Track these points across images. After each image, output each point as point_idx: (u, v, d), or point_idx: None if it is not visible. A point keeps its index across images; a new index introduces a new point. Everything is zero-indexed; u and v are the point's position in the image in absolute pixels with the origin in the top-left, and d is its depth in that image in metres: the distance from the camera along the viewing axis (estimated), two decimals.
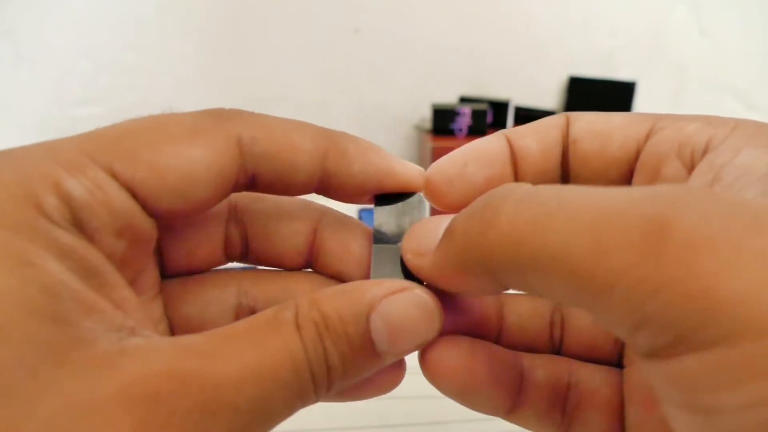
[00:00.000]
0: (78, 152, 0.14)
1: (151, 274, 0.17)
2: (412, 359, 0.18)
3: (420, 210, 0.18)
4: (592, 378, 0.19)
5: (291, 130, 0.17)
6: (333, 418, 0.31)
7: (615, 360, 0.20)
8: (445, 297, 0.16)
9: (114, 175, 0.14)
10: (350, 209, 0.19)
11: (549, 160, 0.18)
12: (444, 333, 0.17)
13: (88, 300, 0.13)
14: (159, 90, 0.82)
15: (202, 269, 0.19)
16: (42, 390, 0.11)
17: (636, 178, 0.17)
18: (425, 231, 0.17)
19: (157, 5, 0.79)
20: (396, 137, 0.87)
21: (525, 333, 0.20)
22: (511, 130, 0.19)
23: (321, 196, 0.19)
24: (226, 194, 0.17)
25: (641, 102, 0.89)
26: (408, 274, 0.17)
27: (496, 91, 0.88)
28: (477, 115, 0.75)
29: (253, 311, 0.19)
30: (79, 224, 0.14)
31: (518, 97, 0.86)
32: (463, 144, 0.19)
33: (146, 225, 0.15)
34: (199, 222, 0.19)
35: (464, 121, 0.75)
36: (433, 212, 0.19)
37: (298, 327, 0.14)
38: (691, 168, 0.15)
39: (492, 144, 0.19)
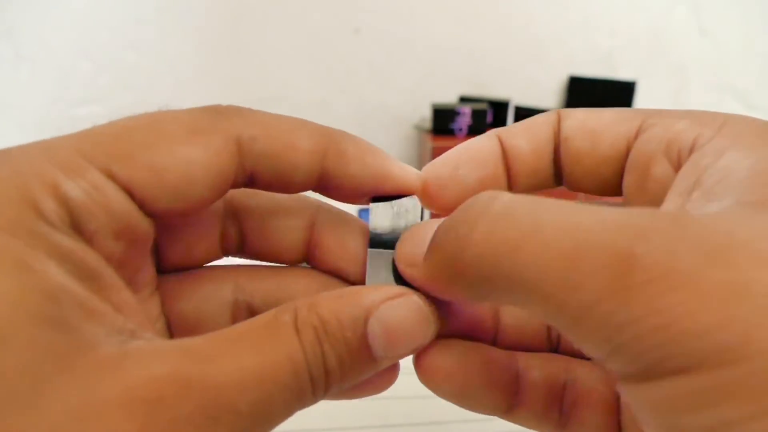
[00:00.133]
0: (75, 153, 0.14)
1: (148, 271, 0.17)
2: (410, 360, 0.18)
3: (415, 213, 0.18)
4: (589, 376, 0.19)
5: (290, 128, 0.17)
6: (333, 418, 0.31)
7: None
8: (440, 301, 0.17)
9: (112, 177, 0.14)
10: (350, 207, 0.19)
11: (541, 158, 0.19)
12: (439, 336, 0.17)
13: (89, 304, 0.13)
14: (159, 90, 0.82)
15: (197, 264, 0.19)
16: (46, 396, 0.11)
17: (626, 176, 0.17)
18: (416, 239, 0.17)
19: (157, 5, 0.79)
20: (396, 137, 0.87)
21: (522, 333, 0.20)
22: (502, 129, 0.19)
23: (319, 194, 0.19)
24: (224, 193, 0.17)
25: (641, 102, 0.89)
26: (402, 281, 0.17)
27: (496, 91, 0.88)
28: (477, 115, 0.75)
29: (249, 307, 0.19)
30: (77, 227, 0.14)
31: (518, 96, 0.86)
32: None
33: (144, 225, 0.15)
34: (195, 218, 0.19)
35: (464, 120, 0.75)
36: (433, 214, 0.19)
37: (297, 330, 0.14)
38: (678, 167, 0.16)
39: (484, 144, 0.19)
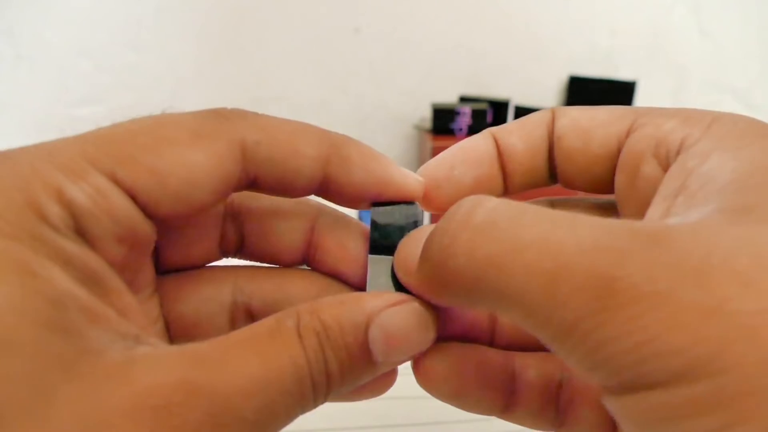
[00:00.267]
0: (79, 156, 0.14)
1: (148, 273, 0.17)
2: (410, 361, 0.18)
3: (417, 219, 0.18)
4: None
5: (294, 133, 0.17)
6: (333, 418, 0.31)
7: None
8: (438, 305, 0.17)
9: (116, 181, 0.14)
10: (350, 209, 0.19)
11: (535, 157, 0.19)
12: (437, 338, 0.17)
13: (94, 309, 0.13)
14: (159, 90, 0.82)
15: (196, 265, 0.19)
16: (53, 404, 0.11)
17: (618, 175, 0.17)
18: (412, 247, 0.17)
19: (157, 5, 0.79)
20: (396, 137, 0.87)
21: (518, 332, 0.20)
22: (497, 128, 0.19)
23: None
24: (227, 196, 0.17)
25: (641, 102, 0.89)
26: (402, 287, 0.17)
27: (496, 91, 0.88)
28: (477, 115, 0.76)
29: (248, 309, 0.19)
30: (81, 231, 0.14)
31: (518, 96, 0.86)
32: None
33: (146, 229, 0.15)
34: (196, 219, 0.19)
35: (464, 120, 0.75)
36: (433, 215, 0.19)
37: (300, 336, 0.14)
38: (666, 166, 0.16)
39: (479, 144, 0.19)
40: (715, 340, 0.10)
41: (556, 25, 0.88)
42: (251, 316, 0.19)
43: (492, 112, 0.81)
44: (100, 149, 0.14)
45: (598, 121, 0.18)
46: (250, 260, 0.20)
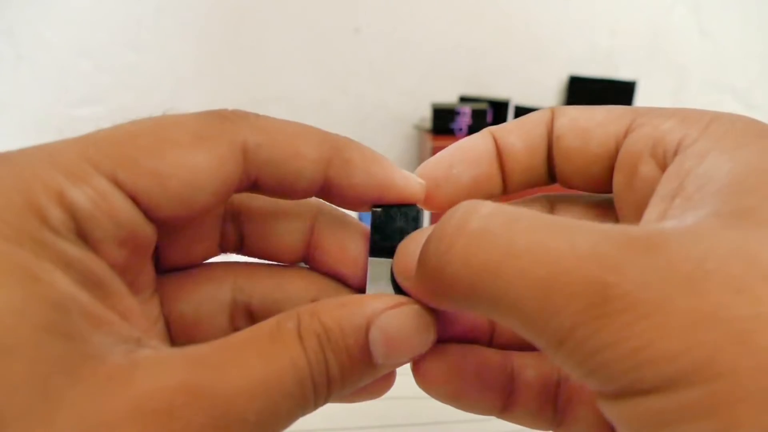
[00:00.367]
0: (80, 158, 0.14)
1: (148, 273, 0.17)
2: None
3: (417, 221, 0.18)
4: None
5: (296, 136, 0.17)
6: (333, 418, 0.31)
7: None
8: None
9: (117, 184, 0.14)
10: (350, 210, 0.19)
11: (534, 156, 0.19)
12: (437, 340, 0.17)
13: (96, 313, 0.13)
14: (159, 90, 0.82)
15: (196, 263, 0.19)
16: (56, 409, 0.11)
17: (615, 175, 0.17)
18: (412, 250, 0.17)
19: (157, 5, 0.79)
20: (396, 137, 0.87)
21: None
22: (497, 127, 0.19)
23: None
24: (228, 198, 0.17)
25: (641, 102, 0.89)
26: (401, 290, 0.17)
27: (496, 91, 0.88)
28: (477, 115, 0.76)
29: (247, 308, 0.19)
30: (82, 235, 0.14)
31: (518, 96, 0.86)
32: None
33: (147, 231, 0.15)
34: (196, 220, 0.19)
35: (464, 120, 0.75)
36: (433, 214, 0.19)
37: (300, 338, 0.14)
38: (664, 167, 0.16)
39: (477, 143, 0.19)
40: (709, 345, 0.10)
41: (556, 25, 0.88)
42: (251, 315, 0.19)
43: (492, 112, 0.81)
44: (101, 151, 0.14)
45: (596, 120, 0.18)
46: (250, 257, 0.20)
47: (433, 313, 0.17)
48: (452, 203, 0.15)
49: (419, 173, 0.19)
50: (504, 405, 0.19)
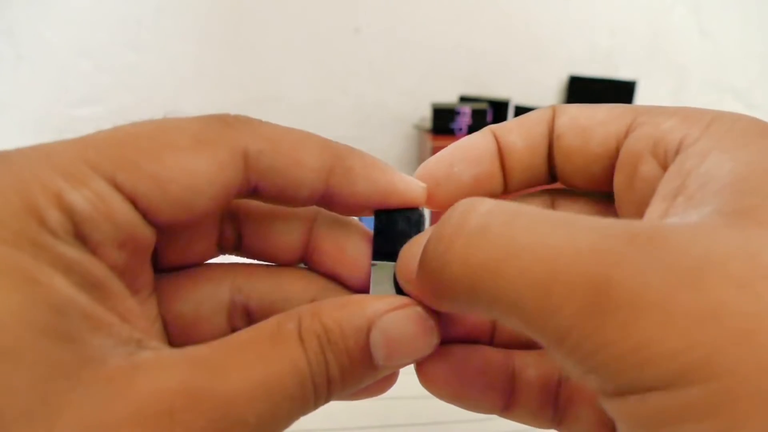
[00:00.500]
0: (79, 160, 0.14)
1: (147, 274, 0.17)
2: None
3: (419, 225, 0.18)
4: None
5: (298, 144, 0.17)
6: (333, 418, 0.31)
7: None
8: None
9: (116, 186, 0.14)
10: None
11: (535, 155, 0.19)
12: (440, 340, 0.17)
13: (96, 315, 0.13)
14: (159, 90, 0.82)
15: (194, 263, 0.19)
16: (57, 412, 0.11)
17: (616, 174, 0.18)
18: (413, 253, 0.17)
19: (157, 5, 0.79)
20: (396, 137, 0.87)
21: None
22: (497, 125, 0.19)
23: None
24: (227, 203, 0.17)
25: (641, 101, 0.89)
26: (404, 294, 0.17)
27: (496, 91, 0.88)
28: (477, 115, 0.75)
29: (246, 308, 0.19)
30: (81, 237, 0.14)
31: (518, 96, 0.86)
32: None
33: (146, 234, 0.15)
34: (195, 222, 0.19)
35: (464, 120, 0.75)
36: (434, 213, 0.19)
37: (301, 339, 0.14)
38: (665, 166, 0.16)
39: (478, 141, 0.19)
40: (710, 344, 0.10)
41: (556, 25, 0.88)
42: (249, 315, 0.19)
43: (492, 112, 0.81)
44: (101, 153, 0.14)
45: (597, 119, 0.18)
46: (248, 258, 0.20)
47: (436, 315, 0.17)
48: (453, 202, 0.15)
49: (420, 173, 0.19)
50: (506, 404, 0.19)
